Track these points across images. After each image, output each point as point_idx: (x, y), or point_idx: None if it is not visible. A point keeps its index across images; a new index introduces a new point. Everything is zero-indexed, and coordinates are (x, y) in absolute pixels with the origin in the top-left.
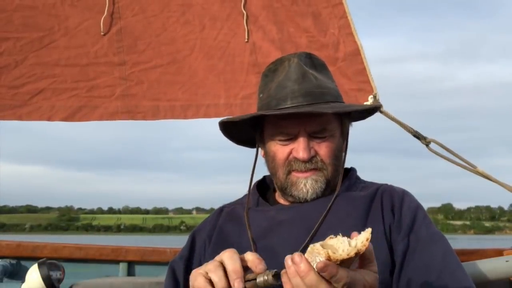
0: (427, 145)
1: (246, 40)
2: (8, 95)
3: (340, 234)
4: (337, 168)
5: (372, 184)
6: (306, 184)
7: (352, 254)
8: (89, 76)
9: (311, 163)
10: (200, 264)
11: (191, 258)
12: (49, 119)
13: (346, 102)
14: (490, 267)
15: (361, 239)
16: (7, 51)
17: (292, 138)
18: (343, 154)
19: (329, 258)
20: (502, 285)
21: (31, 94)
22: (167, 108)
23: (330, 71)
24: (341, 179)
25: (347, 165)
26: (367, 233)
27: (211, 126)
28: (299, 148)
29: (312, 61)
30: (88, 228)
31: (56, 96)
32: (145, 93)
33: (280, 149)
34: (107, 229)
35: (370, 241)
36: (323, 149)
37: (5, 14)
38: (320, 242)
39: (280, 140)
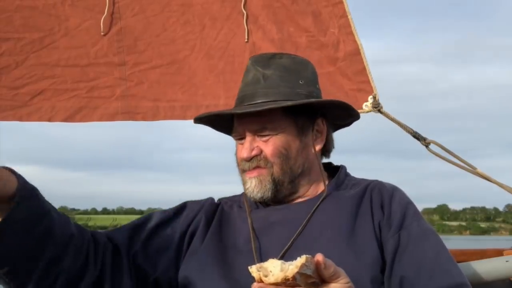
0: (426, 146)
1: (246, 40)
2: (9, 95)
3: (304, 256)
4: (285, 167)
5: (362, 180)
6: (251, 184)
7: (279, 280)
8: (89, 77)
9: (253, 162)
10: (180, 228)
11: (172, 219)
12: (50, 120)
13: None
14: (490, 267)
15: (295, 264)
16: (7, 51)
17: (243, 137)
18: (303, 152)
19: (261, 281)
20: (502, 285)
21: (32, 95)
22: (167, 108)
23: (308, 71)
24: (327, 179)
25: (342, 164)
26: (302, 260)
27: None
28: (242, 148)
29: (270, 62)
30: None
31: (57, 96)
32: (145, 94)
33: (238, 149)
34: (103, 229)
35: (356, 239)
36: (267, 147)
37: (6, 14)
38: (259, 264)
39: (237, 140)
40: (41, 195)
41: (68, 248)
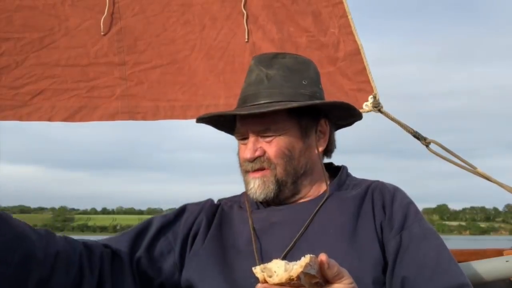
0: (427, 146)
1: (246, 40)
2: (9, 95)
3: (309, 255)
4: (288, 168)
5: (364, 181)
6: (255, 185)
7: (283, 280)
8: (89, 76)
9: (256, 162)
10: (181, 231)
11: (173, 223)
12: (50, 119)
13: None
14: (490, 267)
15: (299, 264)
16: (7, 51)
17: (247, 138)
18: (306, 152)
19: (265, 281)
20: (502, 285)
21: (32, 94)
22: (167, 108)
23: (311, 71)
24: (328, 179)
25: (344, 165)
26: (306, 259)
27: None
28: (245, 148)
29: (273, 61)
30: (84, 229)
31: (57, 96)
32: (145, 94)
33: (241, 149)
34: (103, 229)
35: (358, 239)
36: (270, 148)
37: (6, 14)
38: (263, 265)
39: (239, 140)
40: (13, 220)
41: (56, 266)
